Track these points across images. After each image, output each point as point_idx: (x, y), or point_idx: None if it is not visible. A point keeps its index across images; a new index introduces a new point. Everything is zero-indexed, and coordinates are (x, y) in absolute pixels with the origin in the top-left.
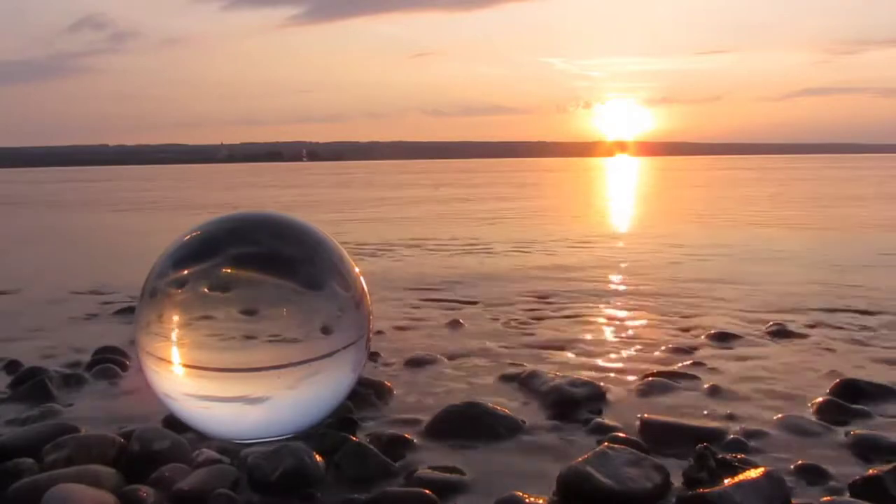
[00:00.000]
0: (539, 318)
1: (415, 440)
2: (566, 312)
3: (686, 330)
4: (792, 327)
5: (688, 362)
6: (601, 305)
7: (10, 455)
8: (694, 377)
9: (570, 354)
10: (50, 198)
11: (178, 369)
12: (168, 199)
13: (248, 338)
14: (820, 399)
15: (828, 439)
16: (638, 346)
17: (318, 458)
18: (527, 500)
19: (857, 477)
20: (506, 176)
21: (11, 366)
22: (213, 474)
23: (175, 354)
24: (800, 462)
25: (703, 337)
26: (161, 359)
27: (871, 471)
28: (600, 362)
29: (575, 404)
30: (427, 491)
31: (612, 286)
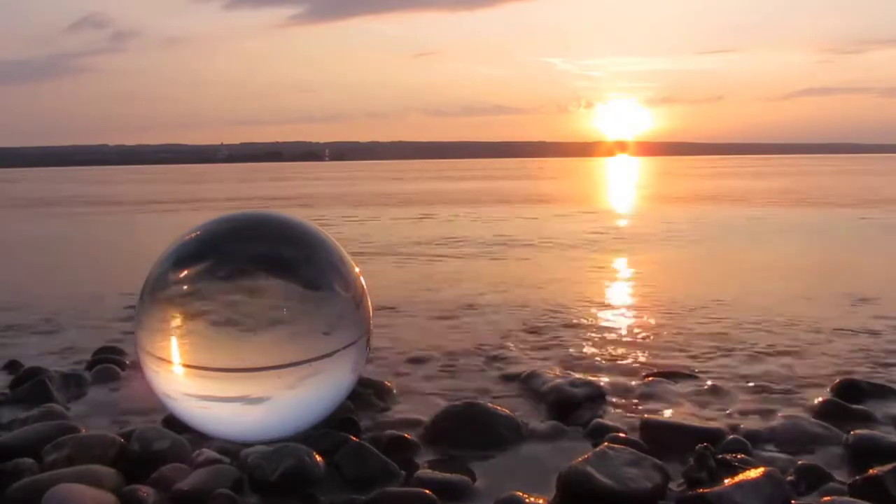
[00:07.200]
0: (539, 317)
1: (415, 440)
2: (566, 312)
3: (686, 330)
4: (792, 327)
5: (688, 362)
6: (601, 305)
7: (10, 455)
8: (694, 377)
9: (569, 354)
10: (48, 198)
11: (178, 369)
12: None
13: (248, 338)
14: (820, 399)
15: (828, 439)
16: (638, 347)
17: (318, 458)
18: (527, 500)
19: (857, 477)
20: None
21: (11, 366)
22: (213, 474)
23: (175, 354)
24: (800, 462)
25: (703, 337)
26: (161, 359)
27: (871, 471)
28: (600, 362)
29: (575, 404)
30: (427, 491)
31: (612, 286)
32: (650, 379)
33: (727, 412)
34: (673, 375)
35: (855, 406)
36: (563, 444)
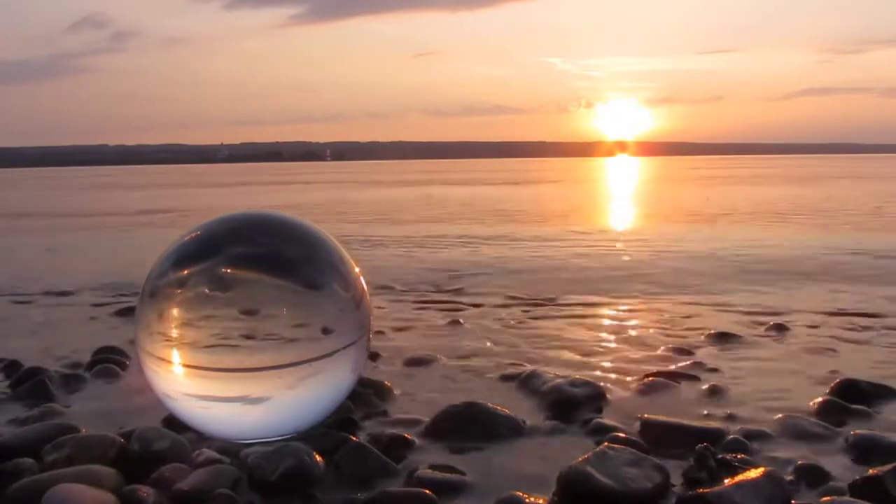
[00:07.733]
0: (539, 318)
1: (415, 440)
2: (566, 312)
3: (686, 330)
4: (792, 327)
5: (688, 362)
6: (601, 305)
7: (10, 455)
8: (694, 377)
9: (570, 354)
10: (51, 197)
11: (178, 369)
12: None
13: (248, 338)
14: (820, 399)
15: (828, 439)
16: (638, 347)
17: (318, 458)
18: (527, 500)
19: (857, 477)
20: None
21: (11, 366)
22: (213, 474)
23: (175, 354)
24: (800, 462)
25: (703, 337)
26: (161, 359)
27: (871, 471)
28: (600, 362)
29: (575, 404)
30: (427, 491)
31: (612, 286)
32: (650, 379)
33: (727, 412)
34: (673, 375)
35: (855, 406)
36: (563, 443)
